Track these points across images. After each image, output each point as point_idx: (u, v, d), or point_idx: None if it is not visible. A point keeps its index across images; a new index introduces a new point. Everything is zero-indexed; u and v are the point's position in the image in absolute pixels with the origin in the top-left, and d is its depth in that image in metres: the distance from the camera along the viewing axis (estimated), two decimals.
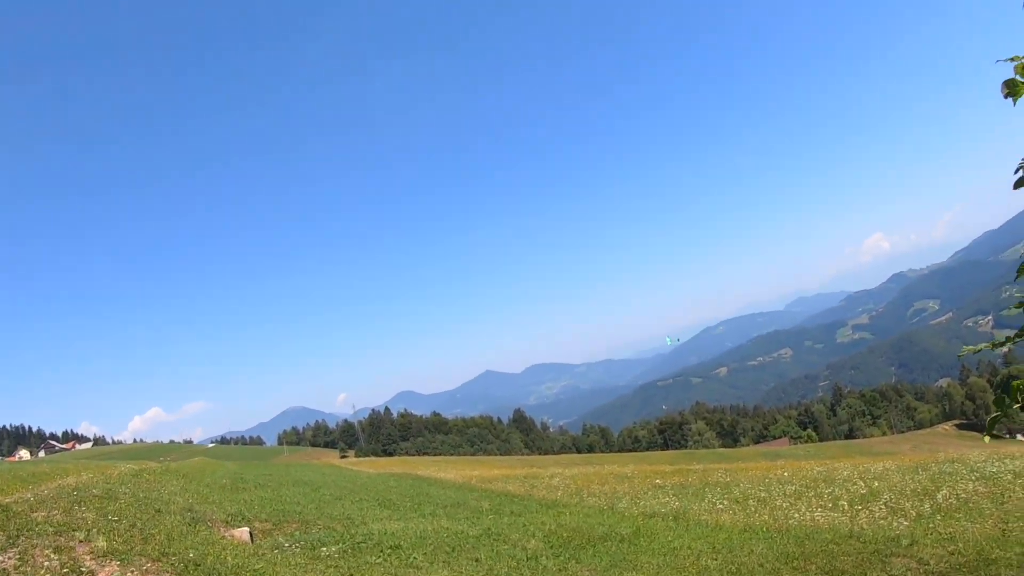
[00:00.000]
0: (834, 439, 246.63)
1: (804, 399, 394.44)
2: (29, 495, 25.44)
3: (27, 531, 17.74)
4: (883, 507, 26.88)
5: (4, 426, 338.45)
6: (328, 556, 23.34)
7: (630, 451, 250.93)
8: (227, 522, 28.09)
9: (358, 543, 25.90)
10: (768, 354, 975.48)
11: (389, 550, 24.98)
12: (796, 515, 27.89)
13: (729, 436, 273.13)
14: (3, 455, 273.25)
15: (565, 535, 28.39)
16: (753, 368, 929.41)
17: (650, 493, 42.15)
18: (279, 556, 22.12)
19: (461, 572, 22.58)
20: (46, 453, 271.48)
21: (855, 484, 34.88)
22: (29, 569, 14.88)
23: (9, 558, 15.51)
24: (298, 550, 24.03)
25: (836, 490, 33.35)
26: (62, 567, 15.33)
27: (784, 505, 31.03)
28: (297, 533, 27.95)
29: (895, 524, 23.53)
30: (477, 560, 24.47)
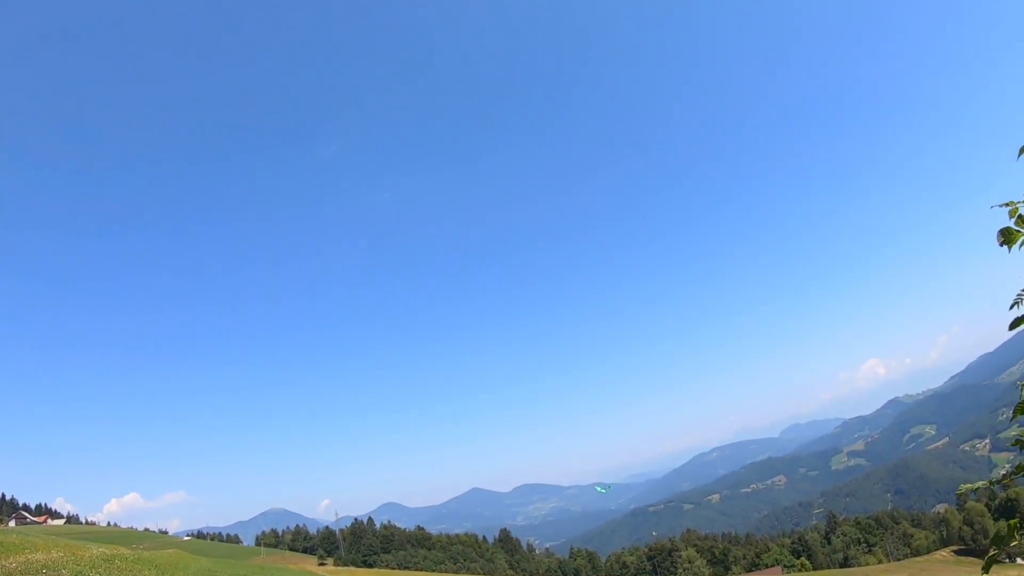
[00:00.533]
0: (828, 567, 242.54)
1: (798, 527, 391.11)
2: None
3: None
4: None
5: None
6: None
7: None
8: None
9: None
10: (761, 481, 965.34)
11: None
12: None
13: (720, 564, 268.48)
14: None
15: None
16: (746, 495, 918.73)
17: None
18: None
19: None
20: (16, 523, 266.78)
21: None
22: None
23: None
24: None
25: None
26: None
27: None
28: None
29: None
30: None
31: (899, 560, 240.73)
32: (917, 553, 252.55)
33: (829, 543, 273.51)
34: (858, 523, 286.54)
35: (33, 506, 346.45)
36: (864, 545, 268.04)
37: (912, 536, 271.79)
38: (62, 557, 35.25)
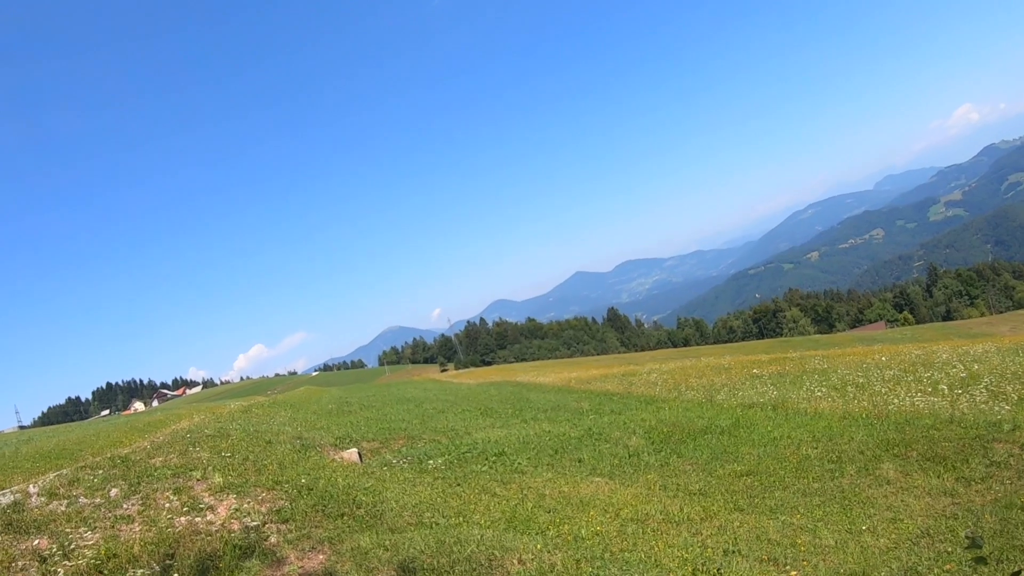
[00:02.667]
0: (931, 321, 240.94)
1: (899, 280, 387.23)
2: (146, 443, 26.38)
3: (147, 477, 18.52)
4: (984, 391, 26.52)
5: (118, 382, 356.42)
6: (435, 468, 24.00)
7: (725, 342, 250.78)
8: (336, 445, 28.92)
9: (463, 453, 26.57)
10: (859, 236, 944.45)
11: (494, 457, 25.60)
12: (895, 400, 27.69)
13: (824, 322, 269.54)
14: (119, 410, 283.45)
15: (665, 430, 28.73)
16: (845, 251, 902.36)
17: (748, 383, 42.15)
18: (388, 473, 22.81)
19: (565, 473, 23.05)
20: (159, 402, 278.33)
21: (954, 367, 34.40)
22: (152, 512, 15.60)
23: (133, 504, 16.25)
24: (406, 465, 24.73)
25: (935, 374, 32.95)
26: (182, 506, 16.05)
27: (883, 391, 30.81)
28: (404, 449, 28.70)
29: (996, 408, 23.26)
30: (580, 460, 24.97)
31: (1001, 312, 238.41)
32: (1019, 306, 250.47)
33: (931, 296, 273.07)
34: (959, 275, 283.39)
35: (170, 382, 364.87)
36: (966, 298, 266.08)
37: (1014, 288, 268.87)
38: (204, 419, 38.85)
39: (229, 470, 19.29)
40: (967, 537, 6.03)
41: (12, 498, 16.71)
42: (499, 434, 30.97)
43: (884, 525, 16.19)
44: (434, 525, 15.58)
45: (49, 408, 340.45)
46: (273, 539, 14.16)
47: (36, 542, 13.84)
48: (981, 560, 6.04)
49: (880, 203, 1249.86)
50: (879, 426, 23.97)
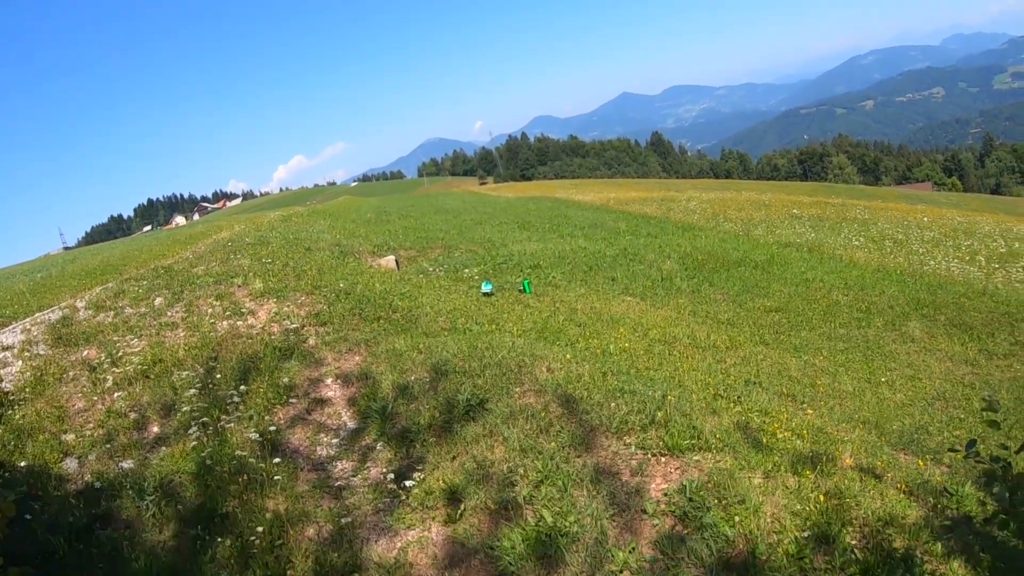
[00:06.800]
0: (979, 192, 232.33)
1: (952, 144, 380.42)
2: (188, 254, 26.88)
3: (190, 285, 19.04)
4: (1021, 269, 26.69)
5: (158, 197, 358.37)
6: (470, 277, 24.53)
7: (768, 179, 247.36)
8: (374, 253, 29.44)
9: (499, 264, 27.08)
10: (918, 91, 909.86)
11: (529, 269, 26.14)
12: (931, 262, 27.92)
13: (870, 173, 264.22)
14: (161, 225, 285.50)
15: (700, 258, 29.20)
16: (901, 104, 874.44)
17: (786, 223, 42.47)
18: (424, 280, 23.35)
19: (598, 290, 23.58)
20: (200, 216, 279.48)
21: (995, 241, 34.48)
22: (195, 318, 16.19)
23: (177, 311, 16.85)
24: (442, 273, 25.27)
25: (975, 244, 33.09)
26: (224, 311, 16.62)
27: (920, 251, 31.05)
28: (440, 258, 29.23)
29: None
30: (613, 279, 25.50)
31: None
32: None
33: (982, 167, 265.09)
34: (1014, 150, 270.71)
35: (210, 195, 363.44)
36: (1018, 175, 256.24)
37: None
38: (244, 229, 38.81)
39: (269, 276, 19.76)
40: (984, 399, 6.33)
41: (60, 313, 17.51)
42: (535, 247, 31.48)
43: (903, 381, 16.67)
44: (467, 331, 16.03)
45: (92, 227, 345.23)
46: (311, 341, 14.69)
47: (85, 353, 14.54)
48: (994, 424, 6.36)
49: (945, 61, 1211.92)
50: (912, 284, 24.30)
